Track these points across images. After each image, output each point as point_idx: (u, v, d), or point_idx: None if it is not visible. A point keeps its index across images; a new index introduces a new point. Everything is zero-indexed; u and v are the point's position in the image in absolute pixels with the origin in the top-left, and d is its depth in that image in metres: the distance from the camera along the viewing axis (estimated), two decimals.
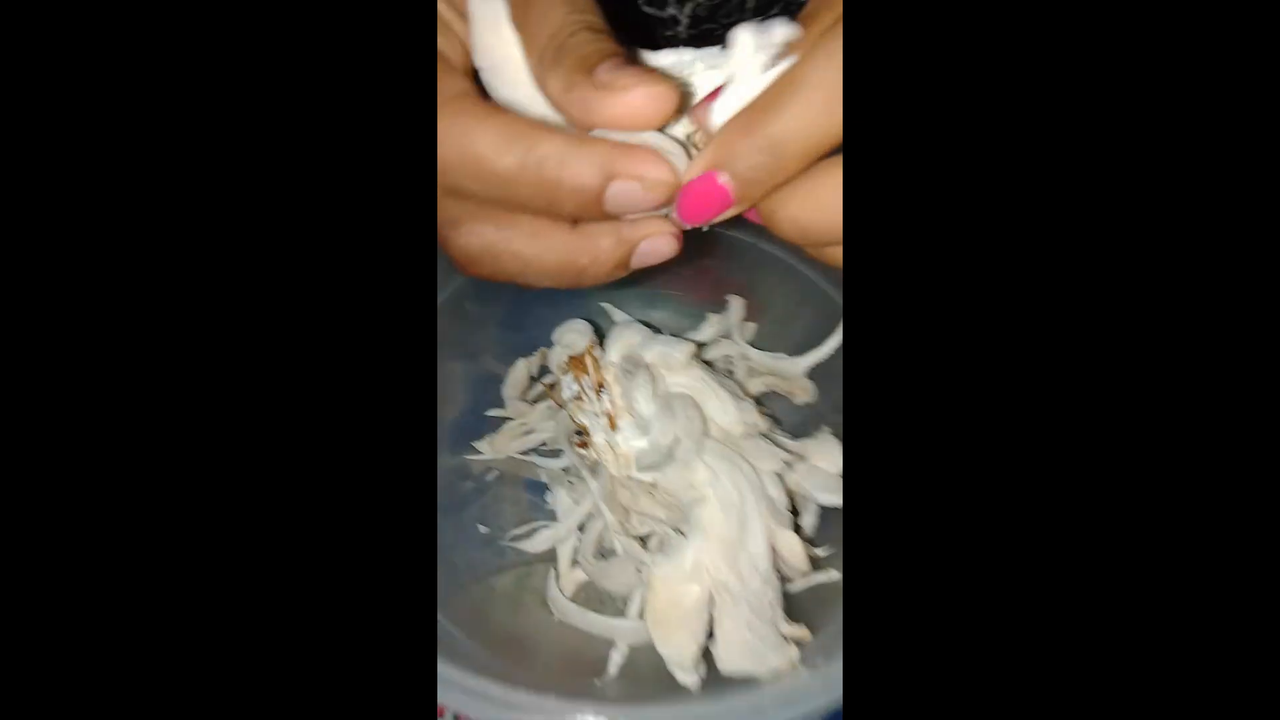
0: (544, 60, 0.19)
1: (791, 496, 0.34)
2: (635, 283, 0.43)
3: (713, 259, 0.42)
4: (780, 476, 0.33)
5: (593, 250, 0.21)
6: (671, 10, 0.41)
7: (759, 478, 0.32)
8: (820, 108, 0.18)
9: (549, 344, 0.40)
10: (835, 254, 0.21)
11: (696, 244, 0.39)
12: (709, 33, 0.43)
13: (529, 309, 0.41)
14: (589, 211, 0.19)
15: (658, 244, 0.22)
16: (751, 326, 0.42)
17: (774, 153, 0.18)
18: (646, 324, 0.37)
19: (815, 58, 0.18)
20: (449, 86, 0.20)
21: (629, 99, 0.18)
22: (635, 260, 0.22)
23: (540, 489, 0.40)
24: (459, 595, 0.32)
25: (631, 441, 0.33)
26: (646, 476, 0.31)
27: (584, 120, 0.19)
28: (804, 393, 0.39)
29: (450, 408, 0.40)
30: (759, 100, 0.19)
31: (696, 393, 0.33)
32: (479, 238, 0.21)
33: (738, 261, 0.41)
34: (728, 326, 0.42)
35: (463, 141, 0.19)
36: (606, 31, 0.20)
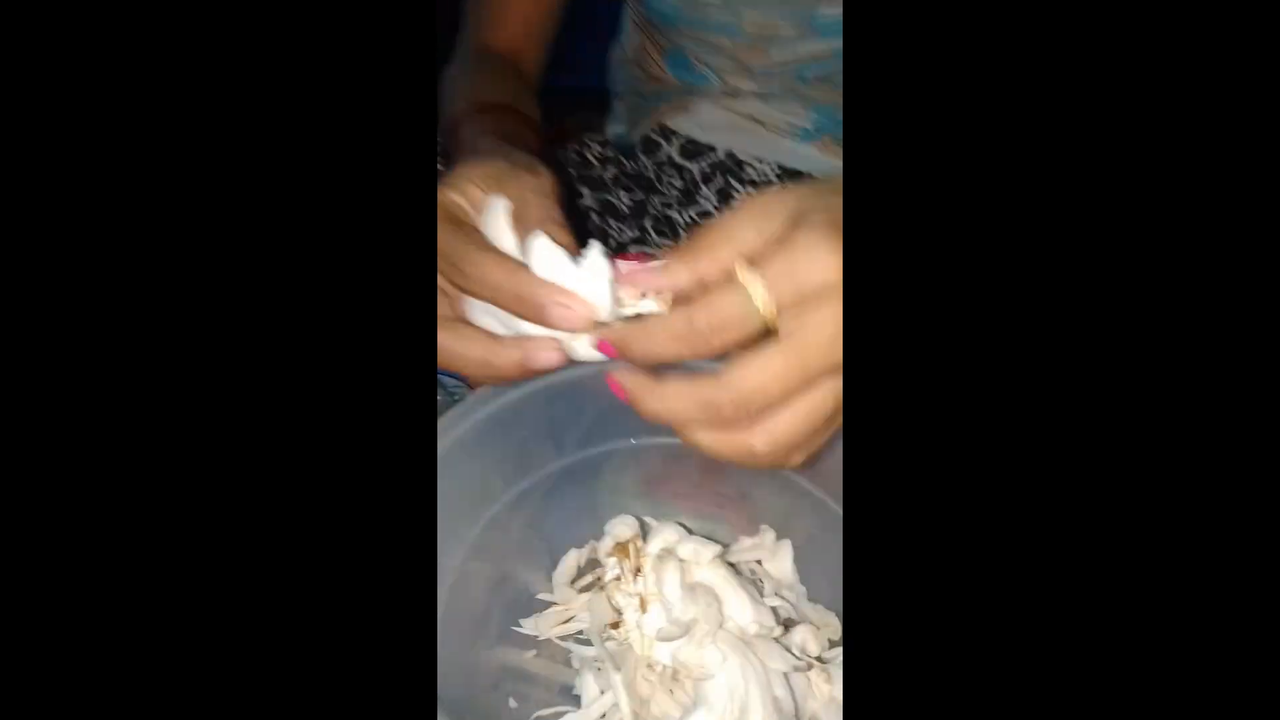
0: None
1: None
2: (645, 493, 0.49)
3: (714, 472, 0.47)
4: (789, 681, 0.36)
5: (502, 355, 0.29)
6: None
7: (767, 675, 0.35)
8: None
9: (565, 548, 0.46)
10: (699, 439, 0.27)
11: (704, 460, 0.46)
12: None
13: (550, 513, 0.47)
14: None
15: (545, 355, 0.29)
16: (787, 549, 0.46)
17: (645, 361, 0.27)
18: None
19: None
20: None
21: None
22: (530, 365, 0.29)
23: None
24: None
25: (658, 624, 0.37)
26: (663, 652, 0.35)
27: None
28: (832, 630, 0.42)
29: (473, 604, 0.44)
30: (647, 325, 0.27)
31: (718, 588, 0.38)
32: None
33: (738, 476, 0.47)
34: (759, 551, 0.47)
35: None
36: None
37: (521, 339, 0.29)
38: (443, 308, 0.31)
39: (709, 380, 0.26)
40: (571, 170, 0.66)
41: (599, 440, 0.47)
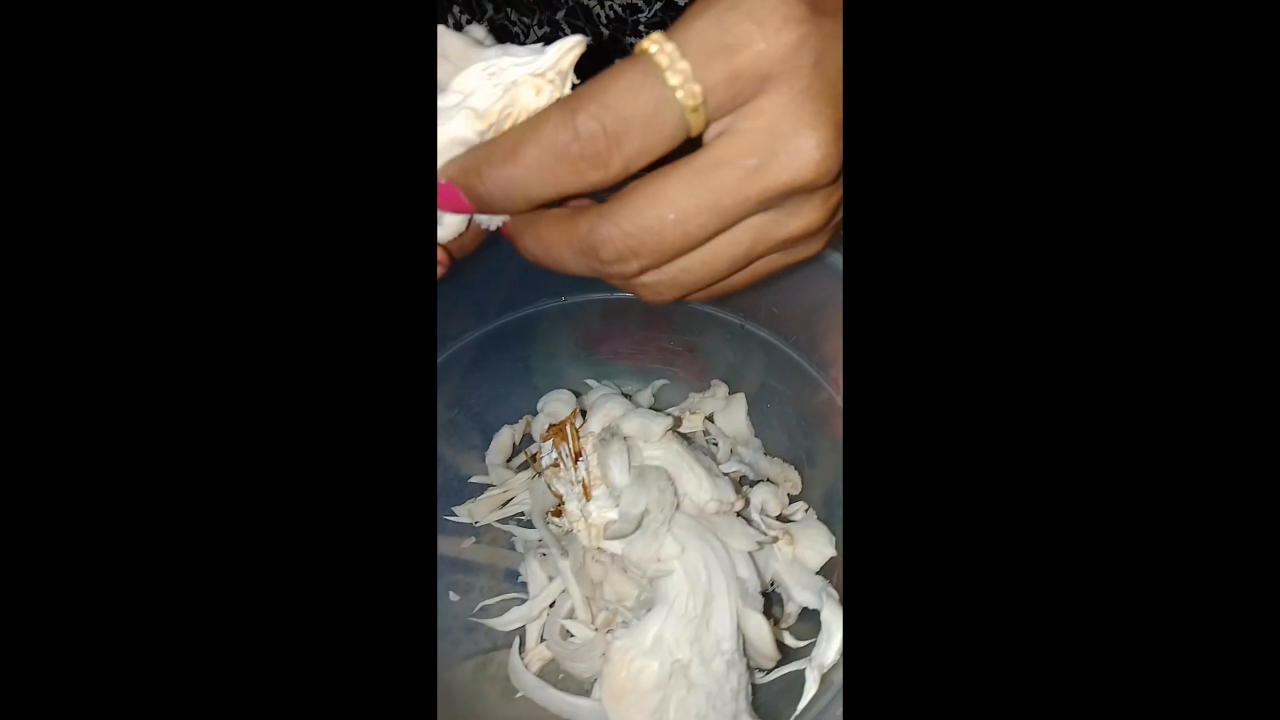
0: None
1: (773, 583, 0.34)
2: (583, 355, 0.44)
3: (657, 327, 0.43)
4: (752, 557, 0.33)
5: None
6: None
7: (729, 556, 0.31)
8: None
9: (499, 424, 0.42)
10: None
11: (645, 313, 0.39)
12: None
13: (475, 389, 0.42)
14: None
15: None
16: (741, 404, 0.42)
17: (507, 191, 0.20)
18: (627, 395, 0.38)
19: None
20: None
21: None
22: None
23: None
24: None
25: (604, 512, 0.33)
26: (614, 546, 0.31)
27: None
28: (791, 485, 0.39)
29: None
30: (505, 137, 0.20)
31: (671, 466, 0.33)
32: None
33: (684, 327, 0.42)
34: (712, 407, 0.43)
35: None
36: None
37: None
38: None
39: (590, 215, 0.20)
40: None
41: (524, 302, 0.41)
